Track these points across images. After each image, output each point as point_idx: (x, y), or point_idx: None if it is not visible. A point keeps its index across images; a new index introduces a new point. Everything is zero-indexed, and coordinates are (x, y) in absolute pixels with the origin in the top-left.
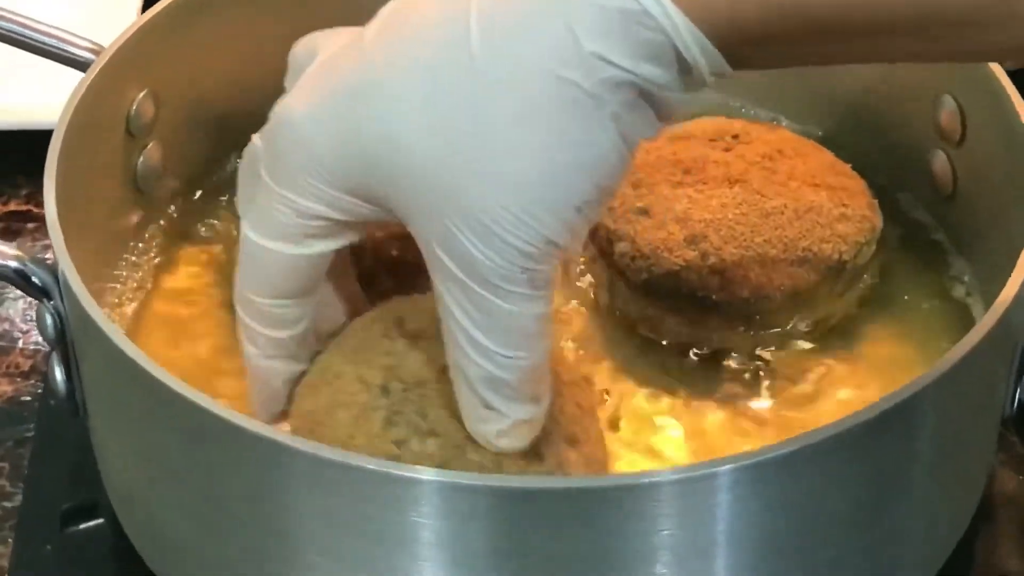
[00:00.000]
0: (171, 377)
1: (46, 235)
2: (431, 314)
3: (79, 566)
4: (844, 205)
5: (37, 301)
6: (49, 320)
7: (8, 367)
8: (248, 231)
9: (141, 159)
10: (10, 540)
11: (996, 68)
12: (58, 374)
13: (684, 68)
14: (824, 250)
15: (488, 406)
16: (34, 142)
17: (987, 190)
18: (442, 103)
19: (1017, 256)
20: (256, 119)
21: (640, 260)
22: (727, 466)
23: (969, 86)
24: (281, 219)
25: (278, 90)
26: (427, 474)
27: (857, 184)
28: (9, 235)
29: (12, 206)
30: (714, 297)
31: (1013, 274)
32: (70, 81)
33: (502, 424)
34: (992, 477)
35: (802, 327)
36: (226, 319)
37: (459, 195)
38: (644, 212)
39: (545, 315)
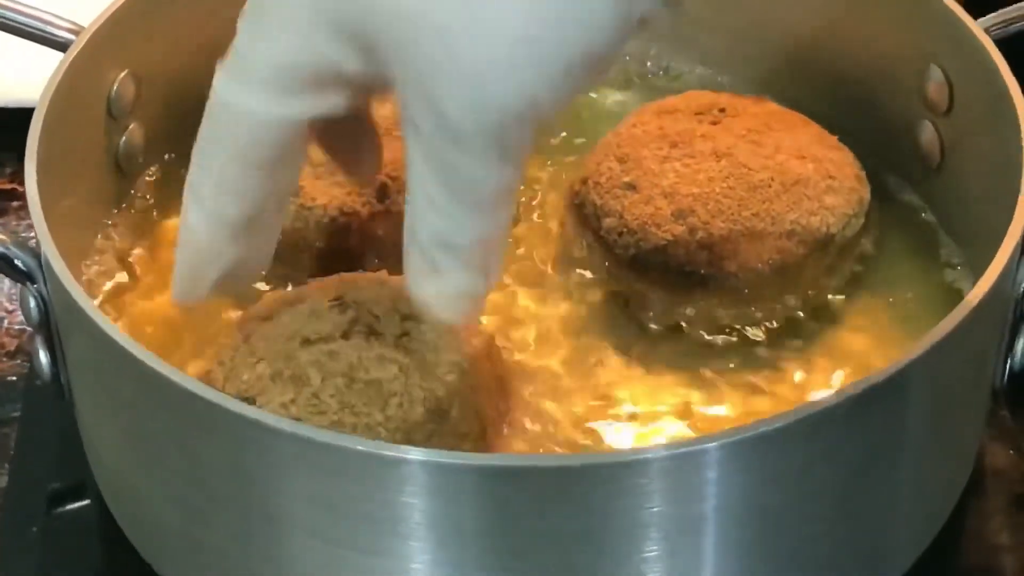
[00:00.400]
0: (156, 359)
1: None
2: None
3: (65, 548)
4: (831, 177)
5: (20, 285)
6: (33, 304)
7: None
8: (221, 83)
9: (123, 140)
10: None
11: (982, 35)
12: (43, 357)
13: None
14: (812, 223)
15: (435, 267)
16: (19, 121)
17: (975, 159)
18: None
19: (1006, 227)
20: None
21: (628, 235)
22: (716, 442)
23: (955, 54)
24: (259, 69)
25: None
26: (414, 454)
27: (844, 156)
28: None
29: None
30: (702, 272)
31: (1003, 245)
32: (52, 61)
33: (444, 287)
34: (982, 451)
35: (791, 302)
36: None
37: (443, 38)
38: (631, 187)
39: (510, 187)
